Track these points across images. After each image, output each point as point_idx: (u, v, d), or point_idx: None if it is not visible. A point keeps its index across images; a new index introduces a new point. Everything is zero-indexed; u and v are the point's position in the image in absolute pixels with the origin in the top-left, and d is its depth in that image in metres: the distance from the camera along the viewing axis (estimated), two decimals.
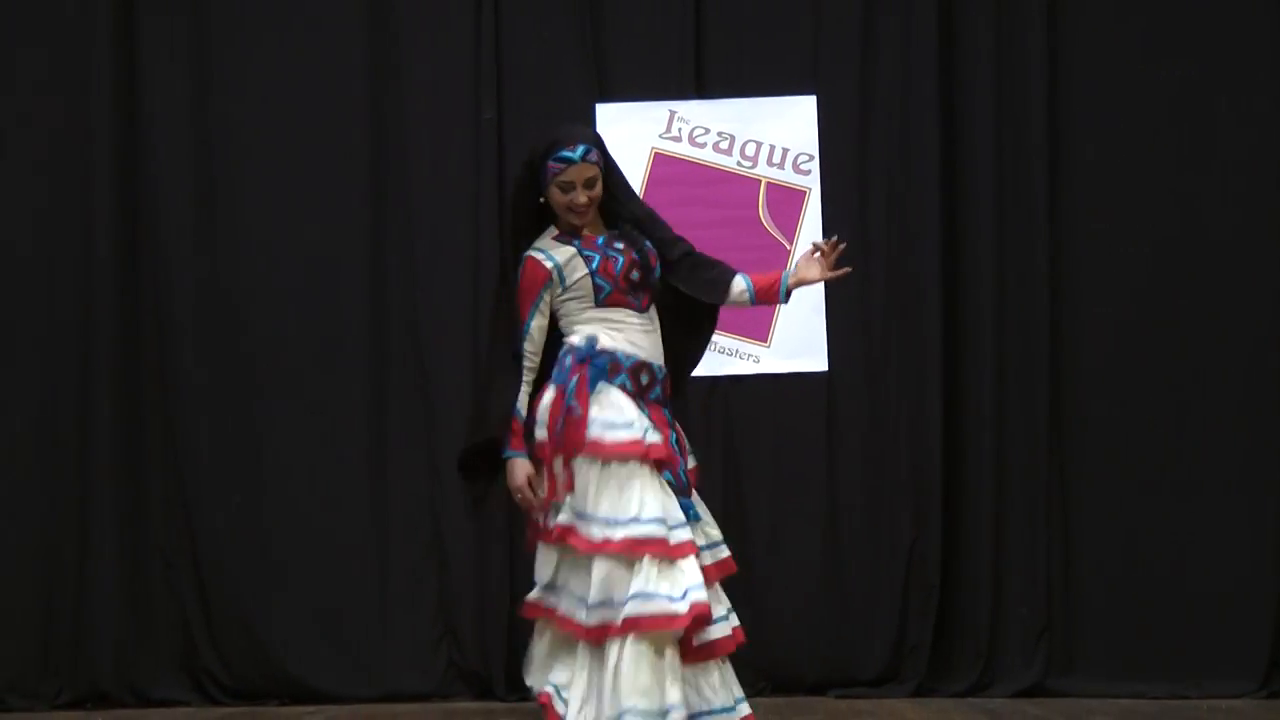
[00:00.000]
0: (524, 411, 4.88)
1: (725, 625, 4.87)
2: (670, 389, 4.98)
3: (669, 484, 4.82)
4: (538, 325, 4.91)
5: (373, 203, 6.98)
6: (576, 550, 4.77)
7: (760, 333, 6.82)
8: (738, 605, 6.76)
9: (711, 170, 6.93)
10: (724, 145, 6.92)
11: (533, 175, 4.94)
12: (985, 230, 6.95)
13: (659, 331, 4.97)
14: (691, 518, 4.85)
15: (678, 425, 4.97)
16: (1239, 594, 6.83)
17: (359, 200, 6.97)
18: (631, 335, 4.89)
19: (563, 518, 4.79)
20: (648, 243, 4.98)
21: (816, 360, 6.88)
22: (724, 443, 6.91)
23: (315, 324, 6.95)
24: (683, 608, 4.70)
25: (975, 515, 6.93)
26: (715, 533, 4.98)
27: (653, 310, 4.96)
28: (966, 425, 6.95)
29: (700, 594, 4.73)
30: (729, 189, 6.91)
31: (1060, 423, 6.93)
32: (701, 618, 4.73)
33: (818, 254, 5.09)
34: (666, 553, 4.73)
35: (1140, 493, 6.91)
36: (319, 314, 6.95)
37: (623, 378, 4.85)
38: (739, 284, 5.07)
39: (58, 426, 6.86)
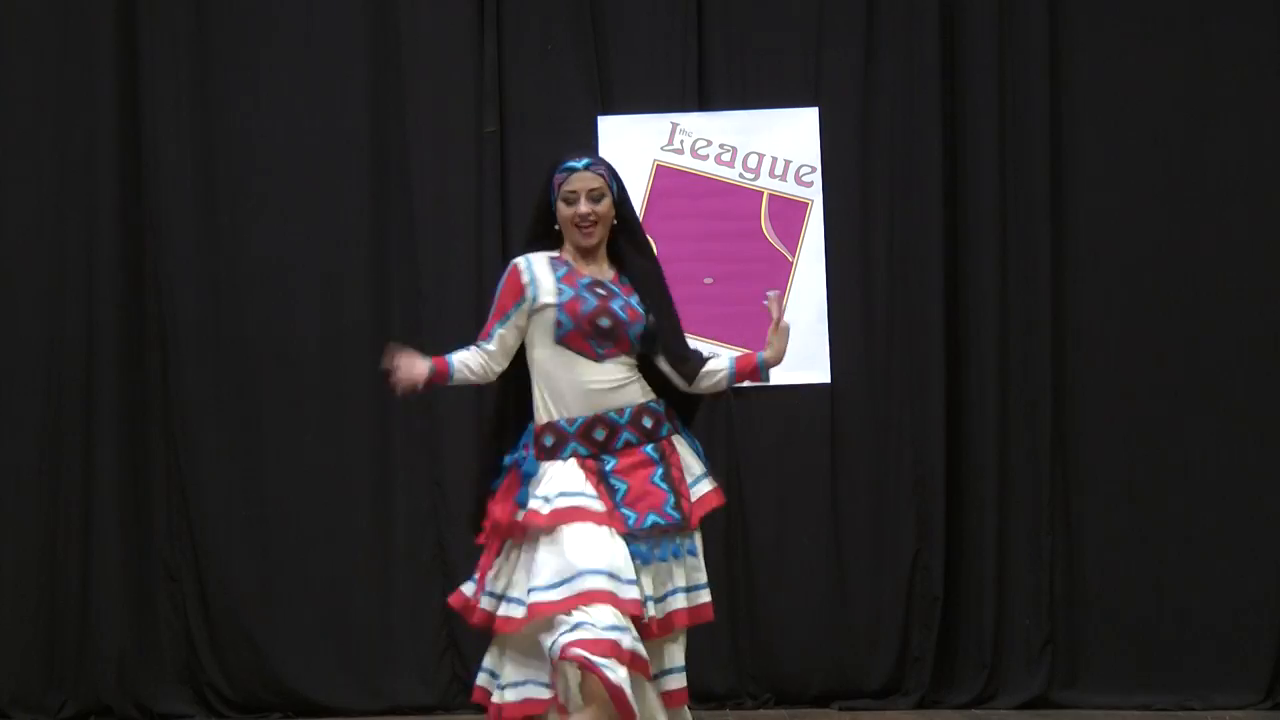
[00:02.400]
0: (455, 363, 4.90)
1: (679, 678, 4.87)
2: (659, 421, 4.90)
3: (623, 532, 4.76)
4: (501, 334, 4.92)
5: (376, 217, 6.98)
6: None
7: (762, 344, 6.80)
8: (741, 616, 6.85)
9: (714, 182, 6.94)
10: (726, 157, 6.93)
11: (544, 196, 4.96)
12: (987, 242, 6.95)
13: (633, 372, 4.88)
14: (656, 558, 4.80)
15: (673, 456, 4.90)
16: (1243, 605, 6.83)
17: (362, 214, 6.98)
18: (581, 390, 4.83)
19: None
20: (634, 300, 4.92)
21: (819, 372, 6.88)
22: (727, 455, 6.90)
23: (318, 339, 6.95)
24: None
25: (978, 527, 6.92)
26: (698, 576, 4.91)
27: (620, 364, 4.86)
28: (969, 437, 6.95)
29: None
30: (731, 201, 6.91)
31: (1063, 435, 6.93)
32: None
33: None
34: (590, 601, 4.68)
35: (1144, 504, 6.90)
36: (322, 329, 6.95)
37: (572, 447, 4.82)
38: (718, 363, 5.00)
39: (61, 438, 6.87)
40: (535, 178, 6.90)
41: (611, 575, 4.67)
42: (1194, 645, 6.84)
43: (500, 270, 6.91)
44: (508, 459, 4.93)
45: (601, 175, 4.90)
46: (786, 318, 4.99)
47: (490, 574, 4.87)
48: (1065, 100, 6.96)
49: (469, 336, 6.82)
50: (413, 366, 4.88)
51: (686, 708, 4.94)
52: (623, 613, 4.63)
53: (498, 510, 4.86)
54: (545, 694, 4.76)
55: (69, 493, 6.86)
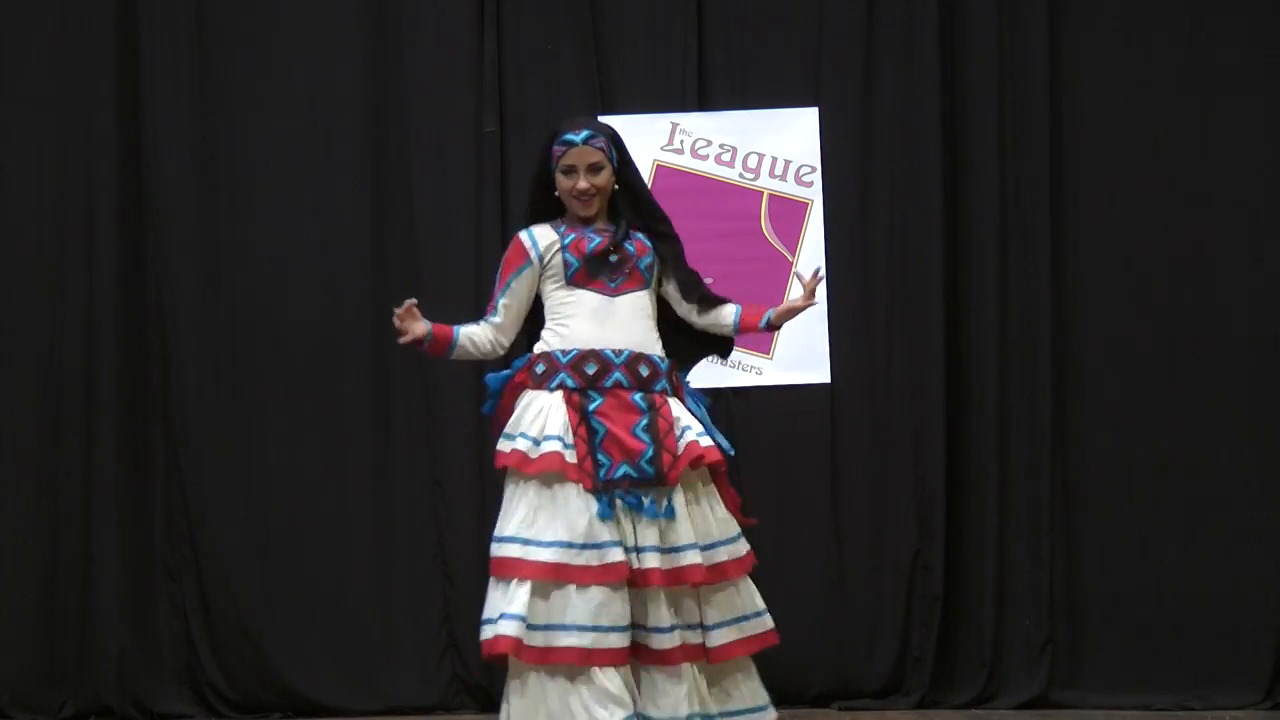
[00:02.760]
0: (460, 336, 5.00)
1: (672, 636, 4.84)
2: (655, 374, 4.92)
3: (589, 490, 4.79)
4: (505, 304, 4.99)
5: (375, 217, 6.98)
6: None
7: (763, 345, 6.82)
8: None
9: (714, 182, 6.94)
10: (726, 157, 6.93)
11: (543, 166, 4.96)
12: (988, 242, 6.95)
13: (646, 320, 4.92)
14: (630, 507, 4.82)
15: (664, 408, 4.89)
16: (1244, 605, 6.82)
17: (361, 214, 6.98)
18: (585, 323, 4.87)
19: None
20: (642, 236, 4.98)
21: (819, 372, 6.88)
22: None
23: (318, 338, 6.95)
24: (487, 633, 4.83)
25: (979, 527, 6.92)
26: (683, 536, 4.88)
27: (636, 299, 4.92)
28: (970, 436, 6.95)
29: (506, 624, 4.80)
30: (731, 201, 6.91)
31: (1064, 434, 6.93)
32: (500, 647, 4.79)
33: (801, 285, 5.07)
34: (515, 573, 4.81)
35: (1145, 504, 6.90)
36: (322, 328, 6.95)
37: (560, 377, 4.85)
38: (728, 307, 5.07)
39: (61, 438, 6.86)
40: None
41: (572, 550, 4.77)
42: (1194, 645, 6.84)
43: (498, 268, 6.96)
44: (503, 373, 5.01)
45: (600, 148, 4.93)
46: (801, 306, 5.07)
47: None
48: (1065, 100, 6.96)
49: None
50: (414, 326, 4.96)
51: (688, 665, 4.87)
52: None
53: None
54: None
55: (69, 493, 6.85)
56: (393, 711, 6.86)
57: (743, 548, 5.02)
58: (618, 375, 4.85)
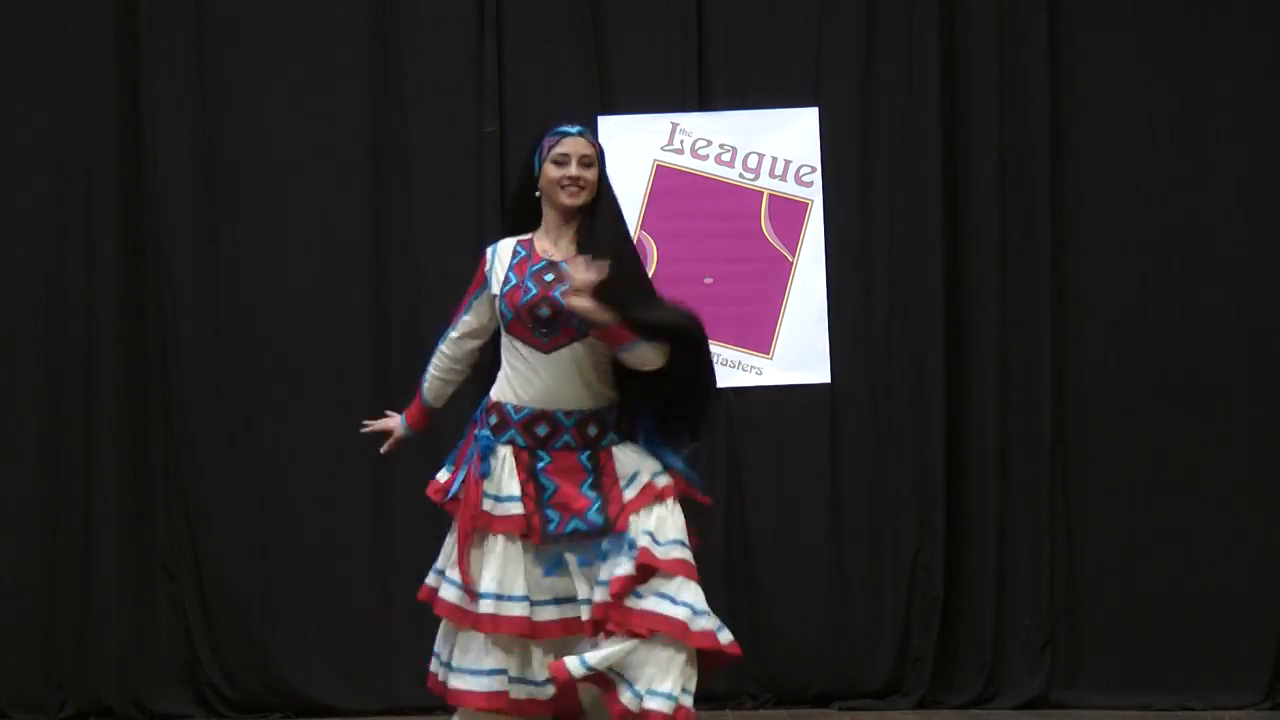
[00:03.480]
0: (425, 389, 5.11)
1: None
2: (604, 431, 4.83)
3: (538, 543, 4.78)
4: (465, 321, 4.98)
5: (375, 217, 6.98)
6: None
7: (763, 345, 6.82)
8: (741, 617, 6.85)
9: (714, 182, 6.94)
10: (726, 157, 6.93)
11: (528, 165, 4.91)
12: (988, 241, 6.95)
13: (589, 373, 4.79)
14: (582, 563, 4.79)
15: (608, 465, 4.81)
16: (1244, 605, 6.83)
17: (361, 215, 6.98)
18: (525, 379, 4.81)
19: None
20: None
21: (819, 372, 6.88)
22: (727, 455, 6.90)
23: (319, 339, 6.95)
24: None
25: (979, 527, 6.93)
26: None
27: (570, 353, 4.77)
28: (969, 437, 6.95)
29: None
30: (731, 201, 6.91)
31: (1064, 434, 6.93)
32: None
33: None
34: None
35: (1144, 504, 6.90)
36: (322, 329, 6.95)
37: (510, 434, 4.83)
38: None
39: (61, 438, 6.86)
40: None
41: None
42: (1194, 645, 6.84)
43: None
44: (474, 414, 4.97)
45: (594, 144, 4.88)
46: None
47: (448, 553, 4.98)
48: (1065, 100, 6.96)
49: None
50: (385, 428, 5.19)
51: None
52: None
53: (469, 492, 4.88)
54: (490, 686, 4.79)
55: (69, 493, 6.85)
56: (393, 711, 6.86)
57: (675, 551, 4.81)
58: (566, 438, 4.81)
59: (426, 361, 5.16)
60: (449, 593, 4.91)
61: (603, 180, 4.90)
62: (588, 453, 4.83)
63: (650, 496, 4.79)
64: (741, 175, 6.94)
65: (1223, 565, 6.84)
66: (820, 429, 6.92)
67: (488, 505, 4.84)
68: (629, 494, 4.79)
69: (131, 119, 6.92)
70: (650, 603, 4.69)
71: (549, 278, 4.80)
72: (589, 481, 4.81)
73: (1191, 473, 6.88)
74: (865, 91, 6.98)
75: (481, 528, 4.84)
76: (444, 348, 5.07)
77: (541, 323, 4.77)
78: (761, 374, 6.87)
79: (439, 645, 4.99)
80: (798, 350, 6.84)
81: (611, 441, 4.85)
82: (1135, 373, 6.92)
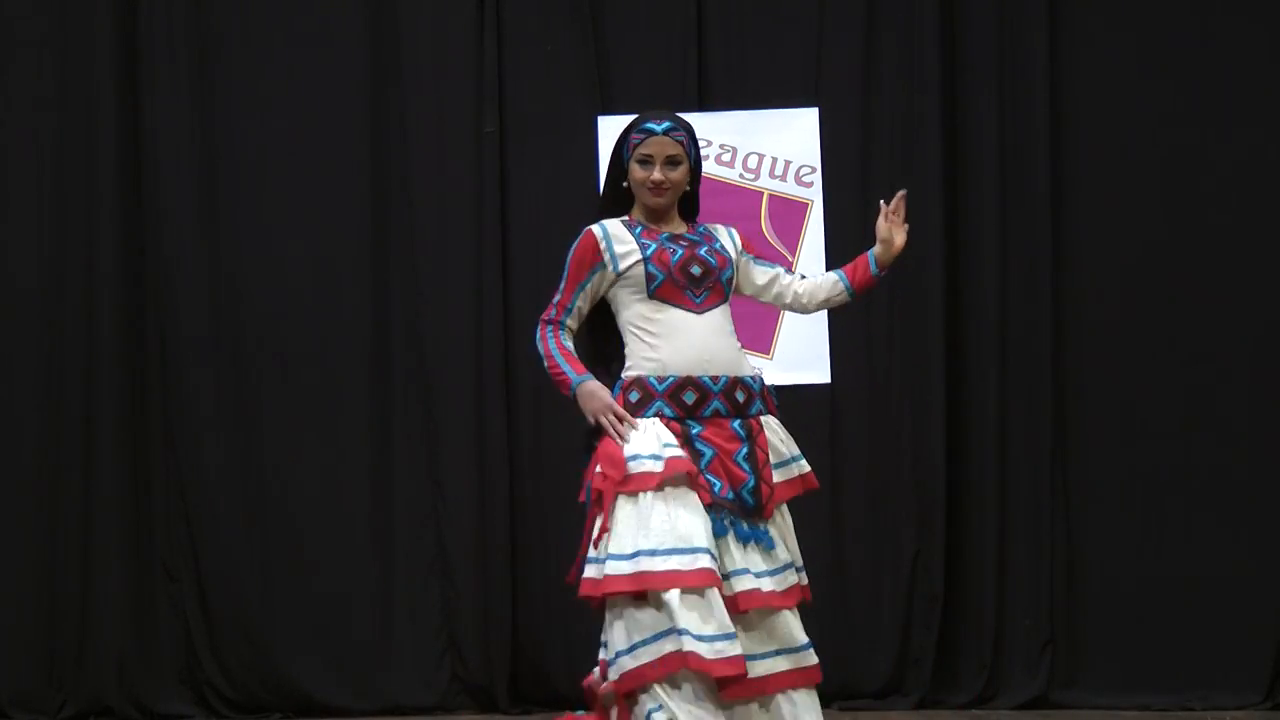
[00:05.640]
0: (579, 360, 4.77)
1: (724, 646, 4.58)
2: (751, 398, 4.75)
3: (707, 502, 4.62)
4: (579, 309, 4.78)
5: (375, 217, 6.98)
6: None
7: (763, 345, 6.81)
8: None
9: (714, 182, 6.91)
10: (726, 157, 6.92)
11: (618, 155, 4.83)
12: (988, 241, 6.96)
13: (731, 337, 4.75)
14: (731, 537, 4.66)
15: (760, 437, 4.75)
16: (1244, 605, 6.82)
17: (361, 214, 6.98)
18: (677, 344, 4.68)
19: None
20: (720, 244, 4.83)
21: (819, 372, 6.87)
22: None
23: (318, 339, 6.95)
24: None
25: (979, 527, 6.93)
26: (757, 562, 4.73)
27: (722, 314, 4.75)
28: (969, 437, 6.95)
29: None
30: (731, 201, 6.90)
31: (1064, 434, 6.93)
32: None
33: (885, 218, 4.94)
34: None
35: (1144, 504, 6.90)
36: (322, 329, 6.96)
37: (657, 405, 4.68)
38: (832, 277, 4.96)
39: (61, 439, 6.87)
40: (535, 178, 6.99)
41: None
42: (1194, 645, 6.84)
43: (498, 273, 6.97)
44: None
45: (680, 141, 4.78)
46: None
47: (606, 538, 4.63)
48: (1065, 100, 6.96)
49: (468, 336, 6.90)
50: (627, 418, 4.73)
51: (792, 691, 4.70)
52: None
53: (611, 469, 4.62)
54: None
55: (69, 493, 6.86)
56: (393, 711, 6.86)
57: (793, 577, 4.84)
58: (716, 404, 4.70)
59: (539, 355, 4.81)
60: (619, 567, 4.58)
61: (696, 168, 4.83)
62: (738, 420, 4.74)
63: (798, 487, 4.82)
64: (741, 175, 6.93)
65: (1223, 566, 6.84)
66: (820, 429, 6.92)
67: (648, 465, 4.59)
68: (778, 476, 4.78)
69: (131, 120, 6.92)
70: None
71: (684, 242, 4.74)
72: (743, 453, 4.71)
73: (1191, 472, 6.88)
74: (866, 91, 6.99)
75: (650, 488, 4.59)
76: (562, 334, 4.78)
77: (694, 281, 4.71)
78: (761, 374, 6.86)
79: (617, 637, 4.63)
80: (798, 350, 6.83)
81: (760, 411, 4.79)
82: (1135, 373, 6.92)
